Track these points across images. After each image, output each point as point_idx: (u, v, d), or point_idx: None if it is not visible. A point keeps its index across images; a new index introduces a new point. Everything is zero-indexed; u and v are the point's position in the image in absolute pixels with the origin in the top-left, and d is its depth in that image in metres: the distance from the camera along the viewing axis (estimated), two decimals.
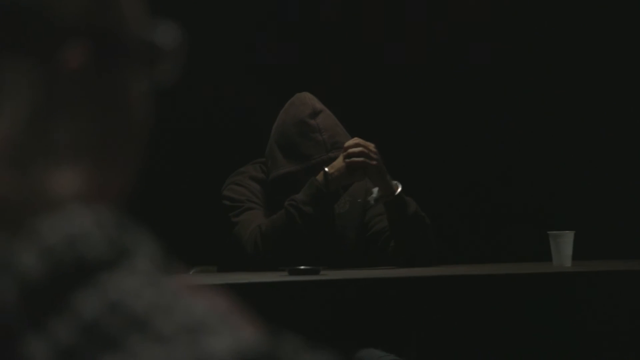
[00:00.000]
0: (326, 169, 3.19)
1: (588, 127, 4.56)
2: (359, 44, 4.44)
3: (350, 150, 3.20)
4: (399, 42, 4.49)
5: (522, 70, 4.55)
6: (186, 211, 4.22)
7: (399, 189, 3.22)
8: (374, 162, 3.19)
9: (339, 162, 3.21)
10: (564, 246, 3.13)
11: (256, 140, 3.58)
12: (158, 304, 0.72)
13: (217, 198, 3.35)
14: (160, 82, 0.85)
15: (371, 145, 3.21)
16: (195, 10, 4.30)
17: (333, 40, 4.44)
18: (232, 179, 3.36)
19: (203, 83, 4.29)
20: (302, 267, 2.89)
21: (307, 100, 3.34)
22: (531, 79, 4.56)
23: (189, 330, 0.71)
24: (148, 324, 0.71)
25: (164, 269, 0.77)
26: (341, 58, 4.44)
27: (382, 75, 4.47)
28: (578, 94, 4.55)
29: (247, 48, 4.35)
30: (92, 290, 0.71)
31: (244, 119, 4.29)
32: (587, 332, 2.96)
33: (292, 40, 4.41)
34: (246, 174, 3.36)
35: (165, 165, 4.24)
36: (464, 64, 4.51)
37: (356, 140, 3.22)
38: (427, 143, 4.51)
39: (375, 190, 3.24)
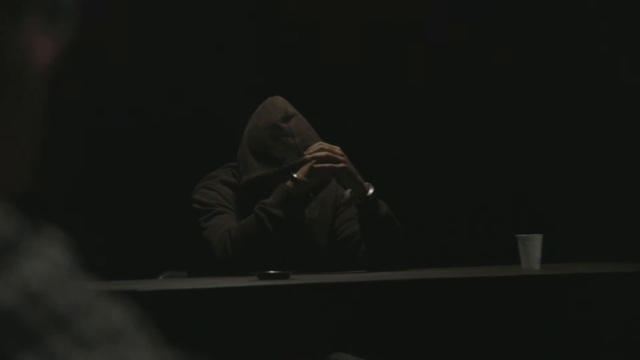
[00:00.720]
0: (294, 175, 3.19)
1: (559, 130, 4.58)
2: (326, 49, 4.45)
3: (315, 154, 3.21)
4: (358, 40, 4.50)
5: (499, 70, 4.57)
6: (156, 216, 4.21)
7: (371, 191, 3.23)
8: (341, 165, 3.20)
9: (307, 167, 3.21)
10: (532, 249, 3.14)
11: (227, 144, 3.58)
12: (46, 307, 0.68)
13: (187, 202, 3.34)
14: (60, 40, 0.75)
15: (336, 148, 3.23)
16: (169, 9, 4.29)
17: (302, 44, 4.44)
18: (203, 183, 3.35)
19: (174, 85, 4.28)
20: (271, 271, 2.89)
21: (279, 104, 3.34)
22: (508, 79, 4.57)
23: (104, 337, 0.68)
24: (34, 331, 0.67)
25: (65, 268, 0.72)
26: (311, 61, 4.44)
27: (355, 76, 4.48)
28: (554, 97, 4.58)
29: (216, 49, 4.34)
30: None
31: (215, 123, 4.28)
32: (555, 335, 2.97)
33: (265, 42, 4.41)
34: (217, 177, 3.35)
35: (134, 169, 4.23)
36: (443, 64, 4.52)
37: (320, 144, 3.24)
38: (401, 145, 4.52)
39: (348, 192, 3.25)
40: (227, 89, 4.32)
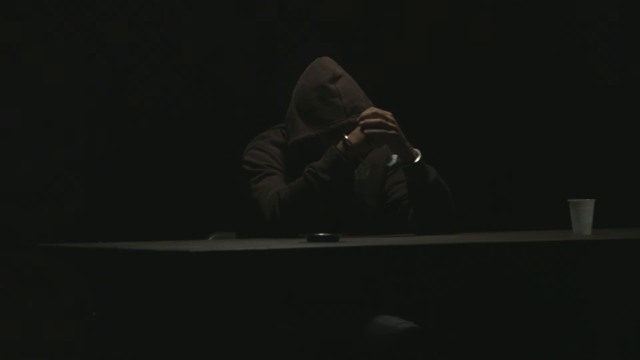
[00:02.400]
0: (346, 137, 3.18)
1: (610, 99, 4.54)
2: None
3: (368, 120, 3.18)
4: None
5: (546, 48, 4.53)
6: (206, 176, 4.23)
7: (419, 157, 3.21)
8: (392, 132, 3.18)
9: (358, 131, 3.19)
10: (584, 214, 3.12)
11: (277, 106, 3.58)
12: None
13: (237, 164, 3.35)
14: None
15: (388, 114, 3.20)
16: None
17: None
18: (253, 144, 3.36)
19: (217, 45, 4.29)
20: (320, 234, 2.89)
21: (327, 64, 3.32)
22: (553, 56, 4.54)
23: None
24: None
25: None
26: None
27: (406, 47, 4.45)
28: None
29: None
30: None
31: (264, 85, 4.29)
32: (605, 301, 2.95)
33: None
34: (267, 138, 3.36)
35: (185, 132, 4.25)
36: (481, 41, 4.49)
37: (372, 110, 3.21)
38: (448, 113, 4.50)
39: (395, 157, 3.23)
40: (274, 52, 4.32)
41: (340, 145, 3.18)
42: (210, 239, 3.46)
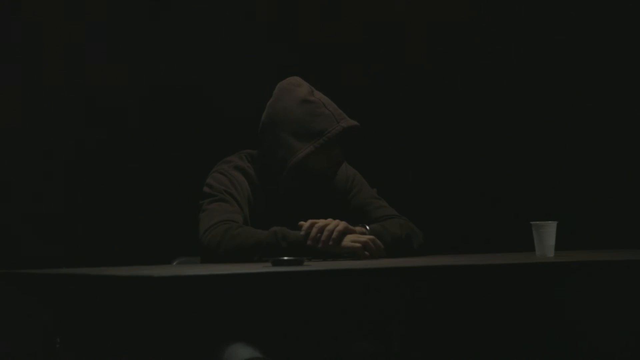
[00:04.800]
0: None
1: (571, 118, 4.58)
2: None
3: (364, 241, 3.17)
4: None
5: (503, 65, 4.56)
6: (170, 202, 4.22)
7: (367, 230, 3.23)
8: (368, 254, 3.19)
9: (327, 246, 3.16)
10: (546, 236, 3.14)
11: (239, 130, 3.58)
12: None
13: (201, 188, 3.36)
14: None
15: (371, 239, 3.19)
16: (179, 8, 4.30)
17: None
18: (217, 167, 3.38)
19: (181, 74, 4.29)
20: (285, 258, 2.89)
21: (299, 81, 3.36)
22: (513, 72, 4.57)
23: None
24: None
25: None
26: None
27: (368, 69, 4.48)
28: (555, 90, 4.57)
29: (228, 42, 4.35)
30: None
31: (226, 111, 4.29)
32: (569, 322, 2.97)
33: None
34: (231, 163, 3.37)
35: (150, 157, 4.24)
36: (448, 60, 4.52)
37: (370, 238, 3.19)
38: (415, 136, 4.52)
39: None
40: (236, 78, 4.32)
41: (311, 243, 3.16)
42: (174, 263, 3.45)
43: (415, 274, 2.86)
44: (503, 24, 4.58)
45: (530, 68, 4.59)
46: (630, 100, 4.53)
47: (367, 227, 3.24)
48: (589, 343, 2.99)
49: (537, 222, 3.16)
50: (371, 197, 3.41)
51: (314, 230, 3.13)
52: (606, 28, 4.55)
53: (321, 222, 3.15)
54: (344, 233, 3.14)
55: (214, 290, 2.62)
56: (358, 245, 3.15)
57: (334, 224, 3.14)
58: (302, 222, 3.16)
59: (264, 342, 2.88)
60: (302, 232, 3.13)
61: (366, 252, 3.16)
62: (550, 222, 3.15)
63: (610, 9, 4.51)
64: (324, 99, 3.32)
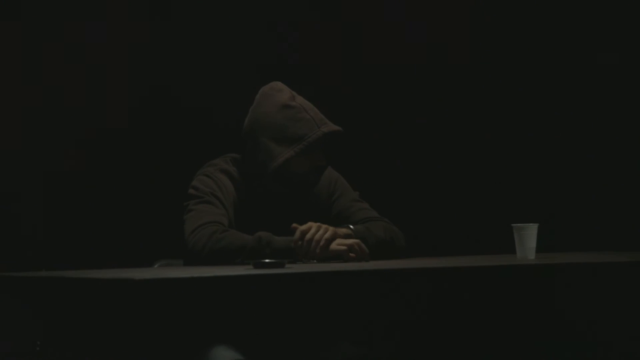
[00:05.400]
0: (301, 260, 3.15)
1: (552, 120, 4.59)
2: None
3: (349, 244, 3.17)
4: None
5: (489, 65, 4.57)
6: (152, 204, 4.21)
7: (351, 229, 3.23)
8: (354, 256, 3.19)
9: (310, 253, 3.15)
10: (527, 239, 3.15)
11: (223, 134, 3.59)
12: None
13: (185, 190, 3.36)
14: None
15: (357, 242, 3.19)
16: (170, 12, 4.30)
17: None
18: (203, 170, 3.38)
19: (167, 78, 4.29)
20: (266, 260, 2.89)
21: (281, 86, 3.36)
22: (499, 73, 4.58)
23: None
24: None
25: None
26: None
27: (356, 72, 4.48)
28: (545, 90, 4.59)
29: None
30: None
31: (212, 114, 4.29)
32: (549, 325, 2.98)
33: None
34: (217, 166, 3.38)
35: (132, 159, 4.24)
36: (436, 62, 4.53)
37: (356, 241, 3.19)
38: (398, 139, 4.53)
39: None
40: (220, 82, 4.32)
41: (299, 253, 3.15)
42: (156, 266, 3.45)
43: (398, 276, 2.86)
44: (496, 27, 4.60)
45: (520, 69, 4.60)
46: (623, 101, 4.54)
47: (352, 227, 3.24)
48: (571, 344, 3.00)
49: (518, 225, 3.17)
50: (353, 200, 3.42)
51: (305, 244, 3.12)
52: (606, 27, 4.57)
53: (309, 231, 3.14)
54: (330, 240, 3.15)
55: (195, 293, 2.62)
56: (344, 247, 3.16)
57: (322, 232, 3.14)
58: (295, 225, 3.16)
59: (246, 345, 2.88)
60: (293, 245, 3.13)
61: (351, 254, 3.16)
62: (531, 224, 3.16)
63: (605, 10, 4.53)
64: (305, 104, 3.32)
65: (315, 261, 3.15)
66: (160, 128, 4.28)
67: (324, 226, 3.16)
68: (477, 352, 2.95)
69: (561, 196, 4.55)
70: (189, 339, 2.74)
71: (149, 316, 2.56)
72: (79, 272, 3.00)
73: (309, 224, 3.16)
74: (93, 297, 2.69)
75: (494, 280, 2.94)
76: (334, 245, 3.16)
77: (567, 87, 4.58)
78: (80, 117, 4.18)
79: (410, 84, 4.56)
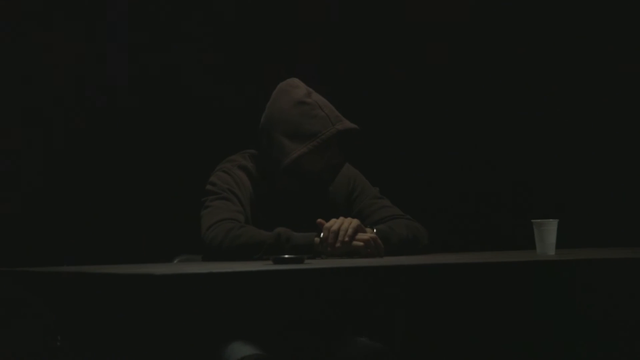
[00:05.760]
0: (323, 255, 3.15)
1: (572, 117, 4.58)
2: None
3: (366, 239, 3.17)
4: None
5: (502, 61, 4.56)
6: (173, 200, 4.22)
7: (374, 231, 3.22)
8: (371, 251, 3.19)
9: (335, 248, 3.15)
10: (547, 234, 3.14)
11: (247, 130, 3.59)
12: None
13: (203, 186, 3.36)
14: None
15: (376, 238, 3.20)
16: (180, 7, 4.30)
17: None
18: (221, 166, 3.38)
19: (186, 74, 4.29)
20: (286, 256, 2.89)
21: (297, 83, 3.36)
22: (512, 70, 4.57)
23: None
24: None
25: None
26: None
27: (369, 71, 4.48)
28: (555, 88, 4.58)
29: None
30: None
31: (235, 110, 4.30)
32: (570, 319, 2.97)
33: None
34: (235, 162, 3.37)
35: (151, 154, 4.25)
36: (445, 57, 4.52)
37: (368, 236, 3.19)
38: (417, 136, 4.53)
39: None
40: (243, 77, 4.33)
41: (317, 242, 3.15)
42: (175, 261, 3.45)
43: (416, 272, 2.86)
44: (500, 26, 4.59)
45: (530, 67, 4.59)
46: (632, 97, 4.53)
47: (374, 230, 3.24)
48: (592, 340, 2.99)
49: (538, 220, 3.16)
50: (374, 197, 3.41)
51: (331, 236, 3.13)
52: (606, 27, 4.56)
53: (334, 224, 3.14)
54: (355, 233, 3.15)
55: (215, 288, 2.62)
56: (361, 244, 3.16)
57: (347, 224, 3.15)
58: (321, 220, 3.16)
59: (265, 340, 2.89)
60: (318, 239, 3.13)
61: (368, 250, 3.16)
62: (551, 220, 3.15)
63: (609, 9, 4.52)
64: (321, 101, 3.31)
65: (336, 257, 3.15)
66: (182, 124, 4.29)
67: (349, 219, 3.17)
68: (496, 348, 2.95)
69: (580, 192, 4.54)
70: (209, 334, 2.74)
71: (169, 311, 2.57)
72: (98, 268, 3.00)
73: (333, 220, 3.17)
74: (113, 293, 2.69)
75: (515, 276, 2.94)
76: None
77: (587, 83, 4.57)
78: (100, 111, 4.20)
79: (429, 82, 4.55)
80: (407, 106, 4.54)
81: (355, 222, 3.16)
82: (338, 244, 3.13)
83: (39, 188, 4.14)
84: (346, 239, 3.13)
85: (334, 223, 3.15)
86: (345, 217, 3.24)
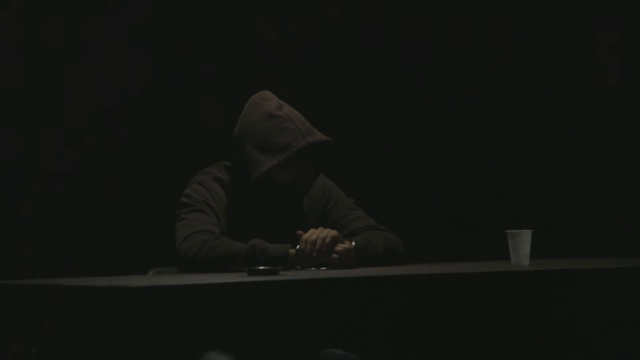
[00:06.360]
0: (298, 267, 3.15)
1: (548, 127, 4.60)
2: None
3: (340, 250, 3.18)
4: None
5: (482, 70, 4.58)
6: (146, 211, 4.22)
7: (353, 244, 3.23)
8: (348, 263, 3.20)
9: (310, 258, 3.16)
10: (521, 245, 3.15)
11: (216, 143, 3.60)
12: None
13: (178, 197, 3.36)
14: None
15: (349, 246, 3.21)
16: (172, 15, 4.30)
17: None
18: (196, 178, 3.38)
19: (162, 85, 4.29)
20: (261, 267, 2.90)
21: (269, 95, 3.36)
22: (497, 78, 4.59)
23: None
24: None
25: None
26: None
27: (347, 70, 4.49)
28: (545, 94, 4.60)
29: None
30: None
31: (204, 122, 4.30)
32: (543, 331, 2.98)
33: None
34: (210, 174, 3.38)
35: (126, 166, 4.24)
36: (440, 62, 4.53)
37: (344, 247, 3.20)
38: (389, 147, 4.54)
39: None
40: (214, 90, 4.33)
41: (292, 253, 3.16)
42: (150, 273, 3.45)
43: (392, 282, 2.86)
44: (493, 31, 4.61)
45: (517, 74, 4.61)
46: (621, 105, 4.56)
47: (353, 242, 3.24)
48: (566, 350, 3.01)
49: (512, 231, 3.18)
50: (349, 208, 3.42)
51: (308, 246, 3.13)
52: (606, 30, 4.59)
53: (312, 235, 3.15)
54: (334, 241, 3.16)
55: (190, 300, 2.62)
56: (336, 255, 3.17)
57: (326, 232, 3.16)
58: (300, 232, 3.17)
59: (240, 351, 2.89)
60: (292, 251, 3.14)
61: (342, 261, 3.18)
62: (525, 230, 3.17)
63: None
64: (292, 113, 3.32)
65: (313, 269, 3.16)
66: (157, 135, 4.28)
67: (327, 229, 3.18)
68: (470, 358, 2.95)
69: (555, 203, 4.56)
70: (185, 346, 2.74)
71: (144, 323, 2.57)
72: (74, 280, 3.00)
73: (312, 230, 3.18)
74: (88, 305, 2.69)
75: (489, 287, 2.95)
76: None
77: (569, 93, 4.60)
78: (78, 122, 4.19)
79: (405, 88, 4.56)
80: (383, 116, 4.55)
81: (333, 232, 3.17)
82: (315, 254, 3.13)
83: (11, 199, 4.12)
84: (323, 248, 3.14)
85: (312, 233, 3.16)
86: (321, 228, 3.25)
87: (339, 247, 3.18)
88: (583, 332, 3.01)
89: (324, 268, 3.17)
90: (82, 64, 4.16)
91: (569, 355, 3.00)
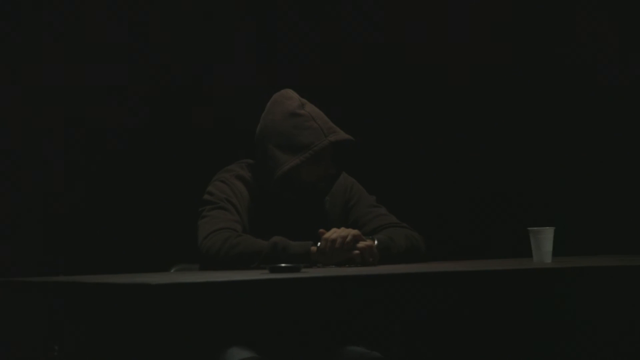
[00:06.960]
0: (319, 265, 3.15)
1: (568, 125, 4.58)
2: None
3: (360, 249, 3.18)
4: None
5: (499, 69, 4.57)
6: (169, 209, 4.23)
7: (376, 242, 3.23)
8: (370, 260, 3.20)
9: (331, 254, 3.16)
10: (544, 242, 3.14)
11: (240, 140, 3.60)
12: None
13: (201, 195, 3.37)
14: None
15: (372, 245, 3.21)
16: (185, 11, 4.31)
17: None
18: (219, 176, 3.39)
19: (187, 85, 4.30)
20: (282, 265, 2.90)
21: (291, 94, 3.36)
22: (509, 77, 4.58)
23: None
24: None
25: None
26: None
27: (366, 74, 4.49)
28: (552, 96, 4.58)
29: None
30: None
31: (229, 119, 4.30)
32: (567, 327, 2.97)
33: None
34: (233, 172, 3.38)
35: (149, 163, 4.25)
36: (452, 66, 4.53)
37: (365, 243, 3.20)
38: (413, 142, 4.53)
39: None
40: (241, 85, 4.33)
41: (314, 251, 3.17)
42: (172, 271, 3.46)
43: (413, 280, 2.86)
44: (501, 35, 4.60)
45: (526, 73, 4.60)
46: (629, 104, 4.54)
47: (375, 240, 3.24)
48: (588, 348, 2.99)
49: (534, 228, 3.17)
50: (371, 206, 3.42)
51: (329, 244, 3.14)
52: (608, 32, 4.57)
53: (333, 233, 3.16)
54: (353, 242, 3.16)
55: (212, 298, 2.63)
56: (357, 252, 3.17)
57: (347, 231, 3.16)
58: (322, 230, 3.17)
59: (261, 349, 2.89)
60: (314, 249, 3.14)
61: (367, 258, 3.18)
62: (547, 228, 3.16)
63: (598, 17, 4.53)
64: (314, 112, 3.32)
65: (333, 266, 3.16)
66: (181, 132, 4.29)
67: (349, 229, 3.18)
68: (493, 355, 2.95)
69: (579, 200, 4.54)
70: (207, 343, 2.74)
71: (166, 321, 2.57)
72: (95, 277, 3.01)
73: (333, 229, 3.18)
74: (110, 302, 2.70)
75: (511, 284, 2.94)
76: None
77: (583, 90, 4.58)
78: (98, 118, 4.20)
79: (426, 89, 4.56)
80: (405, 115, 4.55)
81: (355, 231, 3.18)
82: (336, 252, 3.14)
83: (35, 199, 4.13)
84: (344, 247, 3.14)
85: (334, 232, 3.16)
86: (342, 226, 3.25)
87: (361, 244, 3.18)
88: (606, 328, 2.99)
89: (346, 266, 3.18)
90: (81, 65, 4.17)
91: (592, 351, 2.99)
